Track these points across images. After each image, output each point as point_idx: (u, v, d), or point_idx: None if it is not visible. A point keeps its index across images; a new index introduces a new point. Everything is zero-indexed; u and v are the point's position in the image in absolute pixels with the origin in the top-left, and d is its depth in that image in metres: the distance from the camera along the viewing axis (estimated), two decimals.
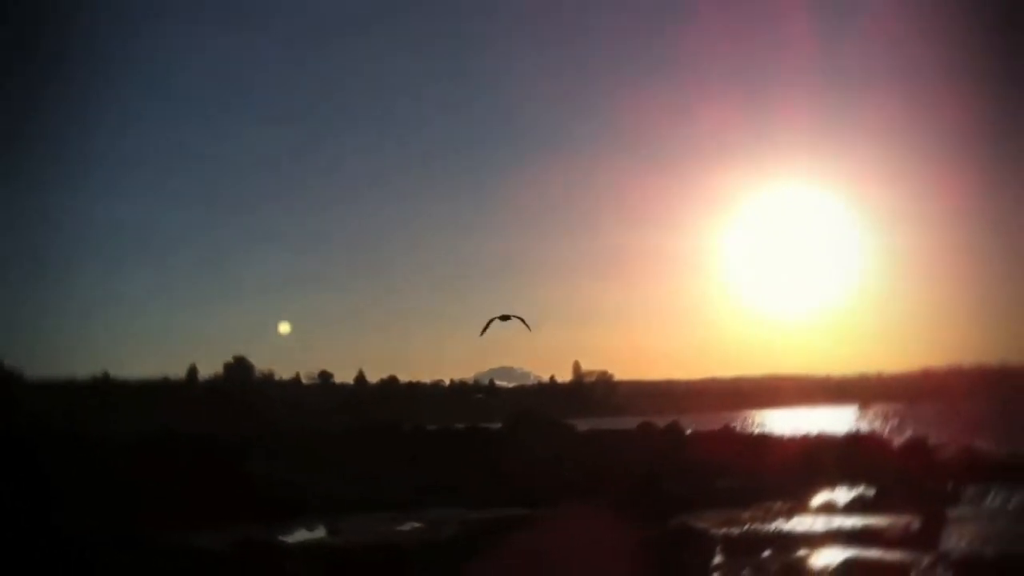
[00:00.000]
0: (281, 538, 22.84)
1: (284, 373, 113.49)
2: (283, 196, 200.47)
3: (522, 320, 16.07)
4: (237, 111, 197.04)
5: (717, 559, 20.08)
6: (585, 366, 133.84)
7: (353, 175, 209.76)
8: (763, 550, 20.35)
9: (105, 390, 72.89)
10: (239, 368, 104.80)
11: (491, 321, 15.88)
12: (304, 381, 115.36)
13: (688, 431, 43.37)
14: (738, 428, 51.21)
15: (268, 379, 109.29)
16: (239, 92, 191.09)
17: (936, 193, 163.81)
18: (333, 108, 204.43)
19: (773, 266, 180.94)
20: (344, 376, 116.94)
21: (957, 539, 21.13)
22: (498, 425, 44.95)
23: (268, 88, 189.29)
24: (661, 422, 44.51)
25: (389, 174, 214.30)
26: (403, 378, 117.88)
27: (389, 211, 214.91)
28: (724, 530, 22.65)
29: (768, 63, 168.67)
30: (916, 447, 38.45)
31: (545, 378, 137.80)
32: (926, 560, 18.72)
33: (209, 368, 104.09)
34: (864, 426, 67.77)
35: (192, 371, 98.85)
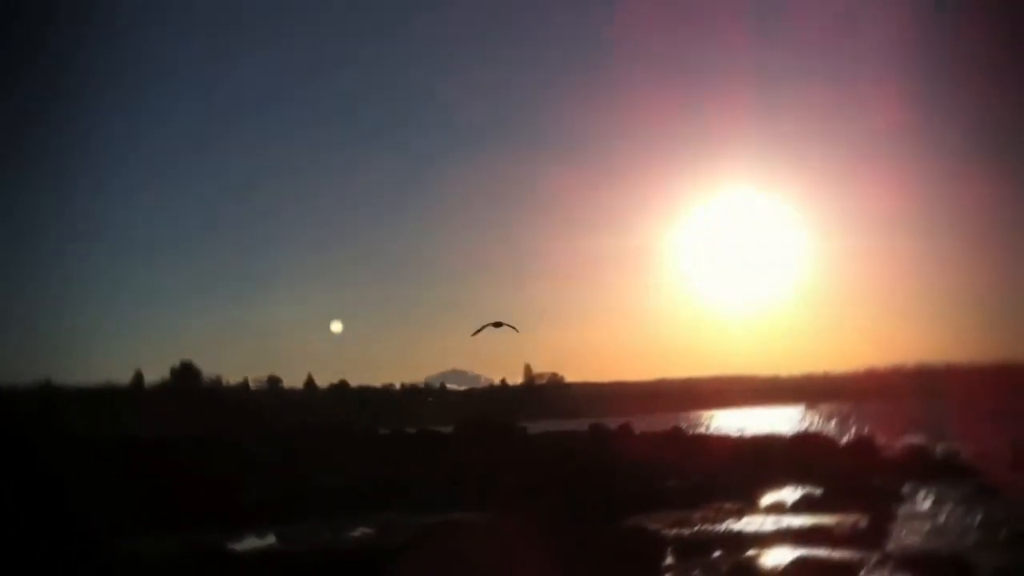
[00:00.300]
0: (229, 544, 22.48)
1: (232, 378, 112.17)
2: (228, 199, 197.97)
3: (512, 327, 16.23)
4: (191, 114, 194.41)
5: (668, 560, 20.15)
6: (536, 368, 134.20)
7: (301, 177, 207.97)
8: (714, 550, 20.47)
9: (47, 396, 71.38)
10: (186, 373, 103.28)
11: (484, 327, 15.97)
12: (252, 386, 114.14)
13: (639, 432, 43.59)
14: (688, 429, 51.58)
15: (216, 384, 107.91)
16: (193, 96, 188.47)
17: (880, 197, 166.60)
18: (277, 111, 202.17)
19: (722, 268, 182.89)
20: (293, 381, 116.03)
21: (904, 537, 21.43)
22: (449, 428, 44.82)
23: (228, 91, 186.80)
24: (612, 423, 44.73)
25: (336, 176, 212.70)
26: (353, 382, 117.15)
27: (336, 215, 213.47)
28: (675, 531, 22.74)
29: (717, 68, 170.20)
30: (862, 446, 39.06)
31: (496, 381, 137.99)
32: (874, 558, 18.96)
33: (155, 374, 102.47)
34: (811, 425, 68.77)
35: (138, 377, 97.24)
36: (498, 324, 15.91)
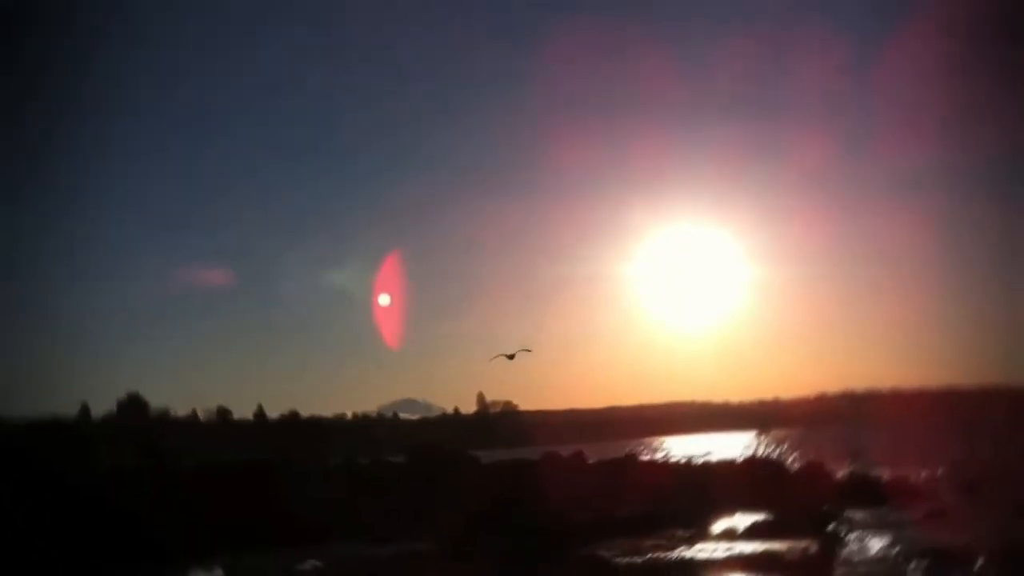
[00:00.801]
0: None
1: (180, 410, 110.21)
2: (175, 222, 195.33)
3: (526, 349, 16.68)
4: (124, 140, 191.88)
5: None
6: (489, 397, 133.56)
7: (244, 199, 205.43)
8: None
9: None
10: (133, 405, 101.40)
11: (497, 356, 16.37)
12: (201, 418, 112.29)
13: (592, 460, 43.56)
14: (641, 456, 51.61)
15: (164, 416, 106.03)
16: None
17: (829, 227, 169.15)
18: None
19: (673, 297, 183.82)
20: (243, 412, 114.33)
21: (853, 563, 21.66)
22: (402, 458, 44.47)
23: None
24: (565, 451, 44.59)
25: (283, 204, 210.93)
26: (304, 412, 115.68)
27: (283, 243, 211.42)
28: (627, 559, 22.79)
29: (663, 103, 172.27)
30: (812, 471, 39.35)
31: (449, 409, 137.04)
32: None
33: (102, 406, 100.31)
34: (762, 451, 69.19)
35: (84, 409, 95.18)
36: (511, 356, 16.28)
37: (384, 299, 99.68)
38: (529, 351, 16.53)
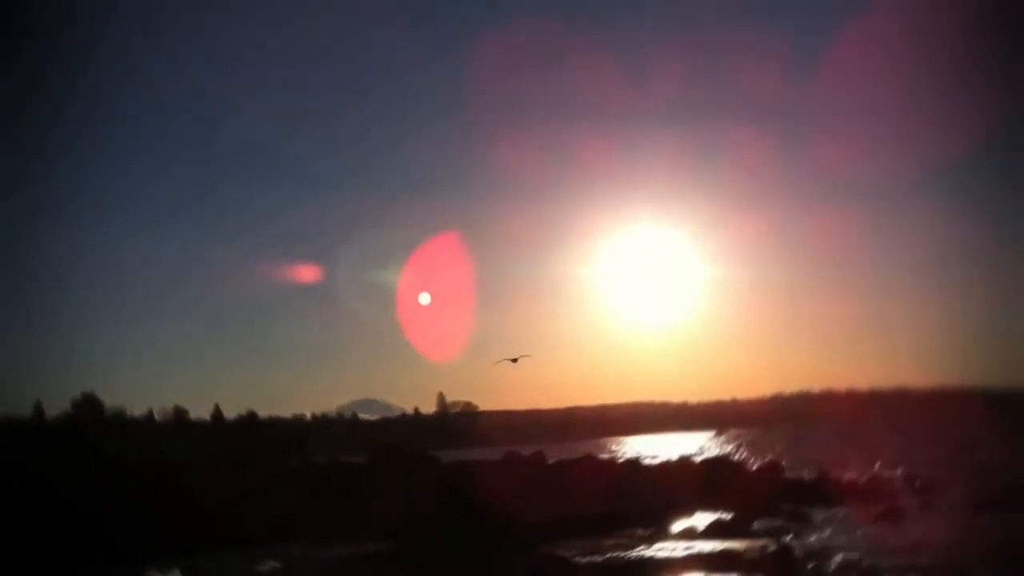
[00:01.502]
0: None
1: (136, 410, 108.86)
2: (130, 223, 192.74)
3: (527, 355, 16.96)
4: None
5: None
6: (450, 397, 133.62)
7: (199, 198, 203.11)
8: None
9: None
10: (88, 405, 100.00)
11: (501, 360, 16.63)
12: (158, 418, 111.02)
13: (552, 460, 43.63)
14: (601, 456, 51.85)
15: (120, 416, 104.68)
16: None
17: (785, 229, 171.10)
18: None
19: (632, 298, 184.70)
20: (200, 412, 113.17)
21: (810, 560, 21.84)
22: (361, 459, 44.24)
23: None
24: (526, 451, 44.63)
25: (241, 205, 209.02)
26: (262, 413, 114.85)
27: (240, 244, 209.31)
28: (587, 558, 22.82)
29: (615, 104, 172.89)
30: (770, 471, 39.74)
31: (409, 410, 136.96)
32: None
33: (57, 406, 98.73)
34: (721, 451, 69.83)
35: (38, 408, 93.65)
36: (515, 360, 16.52)
37: (424, 298, 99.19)
38: (529, 356, 16.78)
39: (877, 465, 43.73)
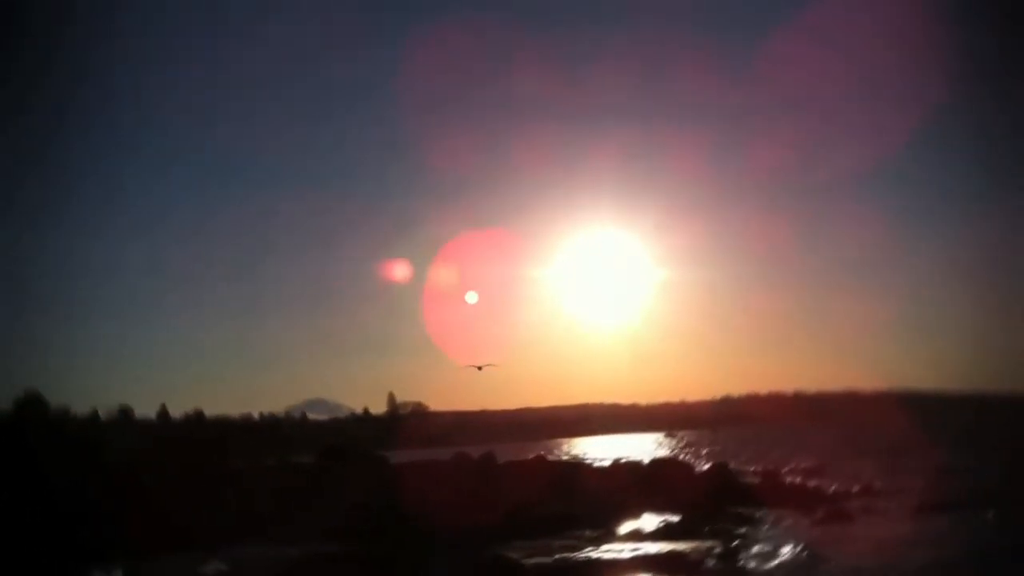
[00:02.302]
0: None
1: (80, 409, 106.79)
2: (84, 221, 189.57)
3: (491, 364, 16.78)
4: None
5: None
6: (400, 397, 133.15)
7: (154, 199, 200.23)
8: None
9: None
10: (31, 404, 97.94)
11: (468, 367, 16.52)
12: (103, 417, 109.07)
13: (502, 461, 43.63)
14: (551, 457, 51.94)
15: (64, 415, 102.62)
16: None
17: (736, 232, 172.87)
18: None
19: (583, 299, 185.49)
20: (146, 410, 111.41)
21: (756, 562, 22.07)
22: (310, 459, 43.87)
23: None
24: (475, 453, 44.57)
25: (191, 208, 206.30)
26: (209, 412, 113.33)
27: (192, 242, 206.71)
28: (535, 559, 22.83)
29: (568, 104, 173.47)
30: (718, 472, 40.07)
31: (359, 410, 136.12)
32: None
33: None
34: (669, 452, 70.38)
35: None
36: (480, 368, 16.46)
37: (472, 297, 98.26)
38: (495, 365, 16.70)
39: (823, 467, 44.39)
